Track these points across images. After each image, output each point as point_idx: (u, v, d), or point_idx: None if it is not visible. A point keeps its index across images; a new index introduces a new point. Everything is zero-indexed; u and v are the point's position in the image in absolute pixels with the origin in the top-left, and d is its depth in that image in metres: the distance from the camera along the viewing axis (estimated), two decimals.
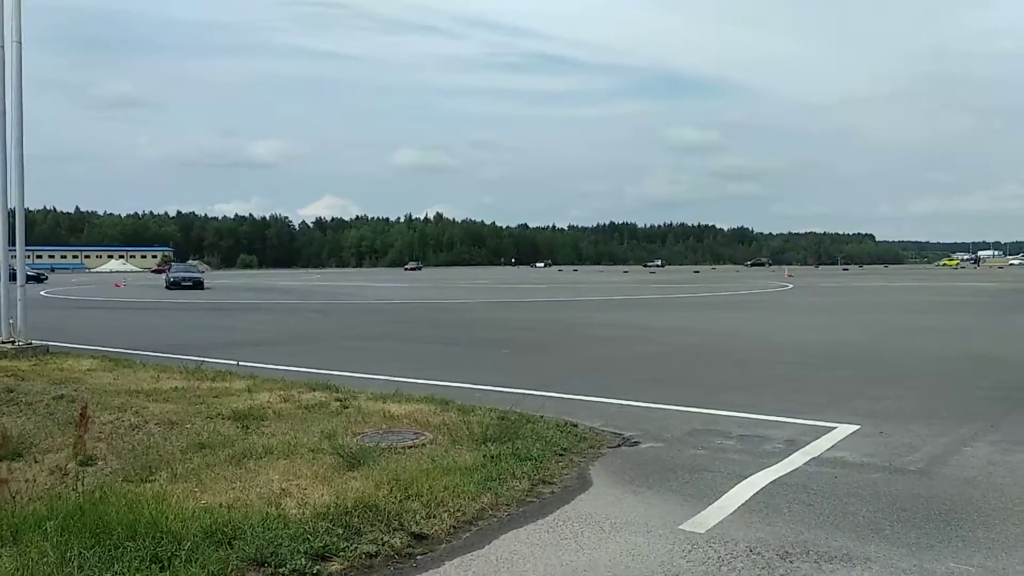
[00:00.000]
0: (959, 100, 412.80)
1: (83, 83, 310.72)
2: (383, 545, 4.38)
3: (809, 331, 18.04)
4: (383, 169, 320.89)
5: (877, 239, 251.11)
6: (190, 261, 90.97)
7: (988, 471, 5.99)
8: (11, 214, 13.77)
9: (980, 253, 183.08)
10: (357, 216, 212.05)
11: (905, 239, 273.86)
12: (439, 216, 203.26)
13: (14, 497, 5.00)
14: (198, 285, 44.34)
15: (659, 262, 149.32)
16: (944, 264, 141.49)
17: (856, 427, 7.45)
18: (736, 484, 5.62)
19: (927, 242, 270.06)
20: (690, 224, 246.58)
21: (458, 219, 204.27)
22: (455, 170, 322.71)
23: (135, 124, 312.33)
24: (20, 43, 13.32)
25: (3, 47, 13.45)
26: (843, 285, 46.87)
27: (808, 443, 6.82)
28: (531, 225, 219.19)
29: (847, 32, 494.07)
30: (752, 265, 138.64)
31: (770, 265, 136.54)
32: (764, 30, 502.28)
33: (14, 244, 13.88)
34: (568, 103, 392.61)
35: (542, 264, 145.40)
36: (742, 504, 5.19)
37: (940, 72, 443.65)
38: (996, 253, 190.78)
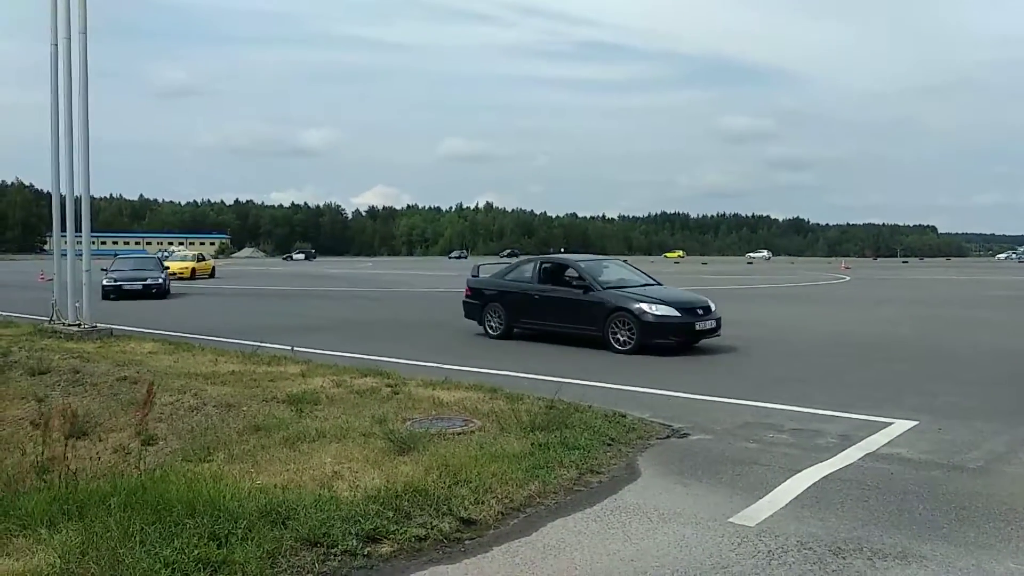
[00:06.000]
0: None
1: (141, 72, 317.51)
2: (432, 529, 4.44)
3: (865, 324, 17.63)
4: (433, 158, 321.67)
5: (939, 231, 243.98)
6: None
7: None
8: (77, 201, 14.23)
9: None
10: (408, 205, 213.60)
11: (969, 231, 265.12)
12: (489, 205, 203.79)
13: (75, 474, 5.19)
14: (151, 292, 24.98)
15: (681, 253, 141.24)
16: (666, 256, 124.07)
17: (914, 423, 7.27)
18: (788, 478, 5.54)
19: (992, 234, 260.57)
20: (744, 214, 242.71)
21: (508, 208, 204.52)
22: (504, 159, 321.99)
23: (193, 113, 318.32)
24: (85, 34, 13.73)
25: (69, 38, 13.90)
26: (902, 278, 45.64)
27: (863, 438, 6.69)
28: (580, 215, 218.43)
29: (908, 19, 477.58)
30: (509, 255, 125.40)
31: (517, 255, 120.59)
32: (822, 17, 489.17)
33: (80, 230, 14.35)
34: (619, 92, 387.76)
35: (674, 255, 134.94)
36: (794, 498, 5.12)
37: (1007, 59, 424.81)
38: None
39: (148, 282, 25.34)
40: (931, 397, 8.69)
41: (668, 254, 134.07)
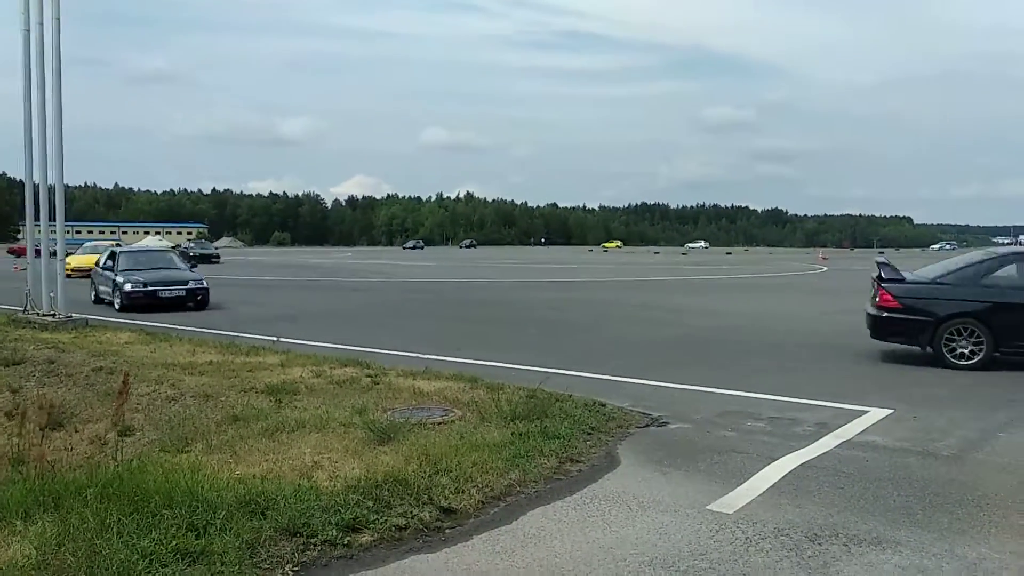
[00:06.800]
0: (1014, 80, 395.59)
1: (118, 59, 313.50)
2: (412, 518, 4.44)
3: (842, 314, 17.79)
4: (414, 147, 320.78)
5: (915, 222, 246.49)
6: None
7: None
8: (51, 190, 14.03)
9: (1022, 237, 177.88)
10: (388, 195, 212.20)
11: (944, 222, 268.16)
12: (469, 195, 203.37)
13: (51, 465, 5.13)
14: (195, 299, 18.35)
15: (619, 242, 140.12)
16: (605, 248, 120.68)
17: (889, 411, 7.36)
18: (765, 466, 5.59)
19: (967, 225, 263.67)
20: (723, 205, 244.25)
21: (488, 198, 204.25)
22: (486, 149, 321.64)
23: (170, 101, 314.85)
24: (59, 20, 13.51)
25: (42, 24, 13.66)
26: None
27: (840, 426, 6.77)
28: (561, 205, 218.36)
29: (891, 12, 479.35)
30: (468, 245, 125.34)
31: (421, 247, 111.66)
32: (806, 10, 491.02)
33: (54, 219, 14.15)
34: (602, 82, 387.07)
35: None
36: (771, 486, 5.17)
37: (997, 51, 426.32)
38: None
39: (191, 286, 18.42)
40: (907, 386, 8.80)
41: (606, 244, 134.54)
